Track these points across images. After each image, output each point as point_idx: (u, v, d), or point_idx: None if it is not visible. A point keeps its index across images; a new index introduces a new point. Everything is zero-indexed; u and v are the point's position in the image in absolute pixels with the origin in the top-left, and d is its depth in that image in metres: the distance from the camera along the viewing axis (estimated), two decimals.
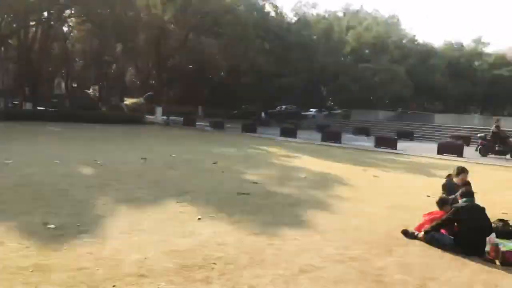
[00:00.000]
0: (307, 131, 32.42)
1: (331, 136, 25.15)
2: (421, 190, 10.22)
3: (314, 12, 57.29)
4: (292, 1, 65.88)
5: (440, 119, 41.45)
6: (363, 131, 33.43)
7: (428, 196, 9.52)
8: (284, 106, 50.28)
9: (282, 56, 45.68)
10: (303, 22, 50.37)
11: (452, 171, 7.22)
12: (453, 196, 6.67)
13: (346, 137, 26.90)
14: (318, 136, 28.45)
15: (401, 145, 23.16)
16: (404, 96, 48.72)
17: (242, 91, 49.02)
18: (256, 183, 9.86)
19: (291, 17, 56.02)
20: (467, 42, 69.60)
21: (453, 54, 59.54)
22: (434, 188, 10.59)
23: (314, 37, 49.73)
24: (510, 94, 56.26)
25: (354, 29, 51.62)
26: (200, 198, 8.02)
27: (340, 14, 58.18)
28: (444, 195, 6.84)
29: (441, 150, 20.66)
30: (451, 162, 16.91)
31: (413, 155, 19.49)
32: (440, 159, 18.25)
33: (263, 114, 46.08)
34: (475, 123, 38.27)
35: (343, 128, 33.90)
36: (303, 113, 50.31)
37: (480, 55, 64.72)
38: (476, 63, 60.64)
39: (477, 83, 56.77)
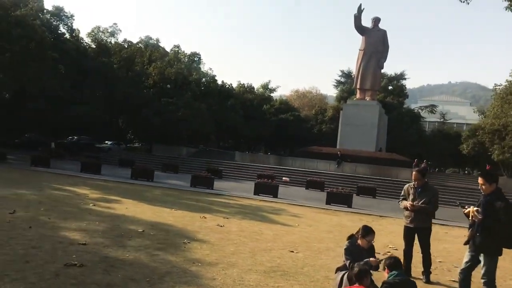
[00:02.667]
0: (108, 166, 29.26)
1: (141, 173, 22.80)
2: (279, 244, 9.03)
3: (112, 40, 54.39)
4: (89, 26, 61.84)
5: (239, 157, 42.71)
6: (171, 168, 31.81)
7: (291, 251, 8.40)
8: (76, 137, 45.40)
9: (79, 82, 41.46)
10: (104, 48, 47.03)
11: (357, 231, 6.09)
12: (363, 263, 5.51)
13: (156, 174, 24.85)
14: (123, 172, 25.79)
15: (215, 184, 22.28)
16: (206, 133, 49.13)
17: (27, 117, 42.62)
18: (85, 244, 7.26)
19: (88, 42, 52.02)
20: (257, 86, 75.69)
21: (247, 96, 63.38)
22: (286, 238, 9.61)
23: (115, 66, 46.67)
24: (293, 136, 62.18)
25: (156, 63, 50.41)
26: (6, 279, 5.20)
27: (141, 45, 56.47)
28: (348, 261, 5.65)
29: (257, 190, 20.44)
30: (277, 204, 16.61)
31: (234, 196, 18.65)
32: (263, 200, 17.80)
33: (53, 145, 40.57)
34: (271, 162, 40.49)
35: (148, 163, 31.69)
36: (97, 145, 46.36)
37: (268, 99, 70.53)
38: (265, 106, 65.49)
39: (266, 124, 61.10)
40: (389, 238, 11.33)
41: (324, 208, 16.95)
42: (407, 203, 7.26)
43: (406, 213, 7.41)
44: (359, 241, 5.80)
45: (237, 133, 58.21)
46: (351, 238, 5.90)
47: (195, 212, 12.23)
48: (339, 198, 19.02)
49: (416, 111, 69.89)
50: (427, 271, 7.22)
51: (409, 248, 7.45)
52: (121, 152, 44.27)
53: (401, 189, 26.51)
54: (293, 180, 30.42)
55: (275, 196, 19.87)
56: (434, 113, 77.62)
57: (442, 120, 76.32)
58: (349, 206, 18.66)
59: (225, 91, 56.73)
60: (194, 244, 8.18)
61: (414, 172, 7.34)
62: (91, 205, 11.70)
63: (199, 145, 51.17)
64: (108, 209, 11.36)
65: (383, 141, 49.43)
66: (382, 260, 5.62)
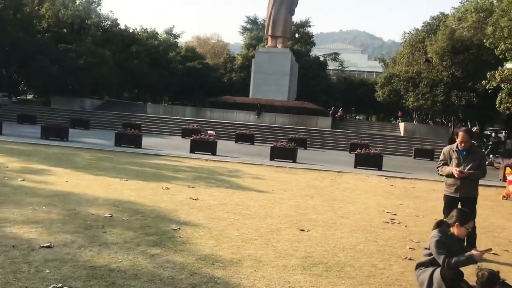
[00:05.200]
0: (6, 124, 25.24)
1: (53, 132, 19.71)
2: (277, 220, 7.59)
3: None
4: None
5: (152, 109, 39.90)
6: (81, 123, 28.45)
7: (302, 230, 7.02)
8: None
9: None
10: None
11: (449, 217, 4.75)
12: (464, 258, 4.27)
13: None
14: (28, 130, 22.46)
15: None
16: (111, 83, 45.03)
17: None
18: (50, 246, 5.20)
19: None
20: (161, 31, 71.20)
21: (152, 43, 59.22)
22: (277, 211, 8.20)
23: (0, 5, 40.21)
24: (201, 85, 59.89)
25: (49, 3, 44.40)
26: None
27: None
28: (442, 256, 4.34)
29: (194, 147, 18.65)
30: (227, 164, 15.11)
31: (174, 156, 16.67)
32: (210, 160, 16.10)
33: None
34: (188, 114, 38.38)
35: (53, 118, 28.02)
36: None
37: (174, 46, 66.73)
38: (171, 53, 61.98)
39: (173, 73, 58.04)
40: (372, 199, 10.43)
41: (277, 166, 15.71)
42: (454, 169, 6.13)
43: (450, 180, 6.28)
44: (453, 229, 4.53)
45: (142, 82, 54.42)
46: (441, 225, 4.60)
47: (150, 182, 10.26)
48: (283, 153, 17.94)
49: (322, 59, 70.62)
50: (473, 247, 6.25)
51: None
52: (13, 106, 39.02)
53: (327, 139, 26.48)
54: (218, 134, 28.80)
55: (214, 153, 18.27)
56: (337, 61, 79.19)
57: (340, 67, 78.26)
58: (294, 161, 17.70)
59: (128, 37, 52.12)
60: (186, 230, 6.44)
61: (461, 133, 6.17)
62: (19, 180, 9.20)
63: (104, 96, 46.91)
64: (45, 184, 8.99)
65: (294, 90, 49.23)
66: (485, 250, 4.46)
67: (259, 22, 76.95)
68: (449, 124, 40.47)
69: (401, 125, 36.98)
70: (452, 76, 33.38)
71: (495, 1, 28.76)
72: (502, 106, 27.60)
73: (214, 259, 5.28)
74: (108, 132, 27.19)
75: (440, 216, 8.95)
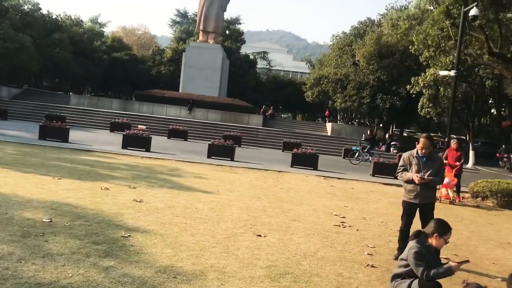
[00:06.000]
0: None
1: None
2: (230, 224, 7.27)
3: None
4: None
5: (76, 100, 37.79)
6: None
7: (258, 236, 6.75)
8: None
9: None
10: None
11: (427, 227, 4.60)
12: (443, 270, 4.20)
13: None
14: None
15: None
16: (31, 71, 42.02)
17: None
18: None
19: None
20: (86, 19, 67.85)
21: (77, 31, 56.19)
22: (229, 215, 7.86)
23: None
24: (128, 77, 57.97)
25: None
26: None
27: None
28: (420, 268, 4.23)
29: (127, 143, 17.73)
30: (165, 162, 14.47)
31: (105, 151, 15.66)
32: (145, 157, 15.32)
33: None
34: (115, 107, 36.81)
35: None
36: None
37: (99, 35, 63.80)
38: (96, 43, 59.29)
39: (98, 63, 55.66)
40: (317, 200, 10.40)
41: (217, 165, 15.29)
42: (414, 176, 6.14)
43: (409, 186, 6.29)
44: (431, 240, 4.45)
45: (65, 71, 51.41)
46: (418, 236, 4.50)
47: (86, 181, 9.49)
48: (221, 151, 17.58)
49: (252, 57, 70.69)
50: None
51: (408, 228, 6.40)
52: None
53: (260, 137, 26.61)
54: (149, 129, 27.76)
55: (148, 150, 17.50)
56: (265, 60, 79.77)
57: (268, 66, 79.08)
58: (232, 159, 17.41)
59: (51, 23, 48.94)
60: (137, 237, 5.93)
61: (422, 139, 6.19)
62: None
63: (23, 84, 43.63)
64: None
65: (225, 86, 48.93)
66: (463, 262, 4.42)
67: (189, 16, 75.72)
68: (373, 125, 42.18)
69: (328, 125, 37.94)
70: (378, 79, 34.72)
71: (419, 8, 30.23)
72: (423, 111, 29.11)
73: (175, 271, 4.85)
74: (29, 123, 25.34)
75: (386, 218, 9.17)
